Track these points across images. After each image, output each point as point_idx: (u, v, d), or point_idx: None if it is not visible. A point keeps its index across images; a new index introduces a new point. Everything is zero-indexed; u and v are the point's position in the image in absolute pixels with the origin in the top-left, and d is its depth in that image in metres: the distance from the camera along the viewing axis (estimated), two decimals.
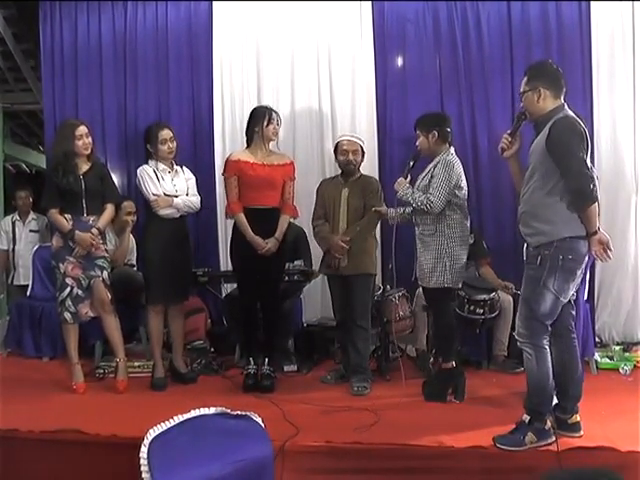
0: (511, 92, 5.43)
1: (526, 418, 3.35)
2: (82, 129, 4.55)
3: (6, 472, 3.46)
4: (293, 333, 5.39)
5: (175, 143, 4.72)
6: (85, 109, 6.08)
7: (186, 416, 2.66)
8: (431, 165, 4.25)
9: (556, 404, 3.44)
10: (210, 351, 5.39)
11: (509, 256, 5.33)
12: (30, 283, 5.87)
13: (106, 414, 4.00)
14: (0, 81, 7.99)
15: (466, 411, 3.99)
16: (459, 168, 4.22)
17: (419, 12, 5.64)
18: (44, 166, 6.93)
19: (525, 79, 3.46)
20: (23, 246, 6.27)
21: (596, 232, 3.26)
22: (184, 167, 4.88)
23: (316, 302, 5.84)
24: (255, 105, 5.30)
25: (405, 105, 5.66)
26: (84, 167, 4.56)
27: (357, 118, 5.76)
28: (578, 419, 3.46)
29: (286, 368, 4.99)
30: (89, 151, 4.58)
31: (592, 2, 5.36)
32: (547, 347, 3.35)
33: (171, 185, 4.68)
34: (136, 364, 4.97)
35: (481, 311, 4.74)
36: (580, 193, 3.21)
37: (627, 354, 5.07)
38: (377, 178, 5.37)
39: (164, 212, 4.63)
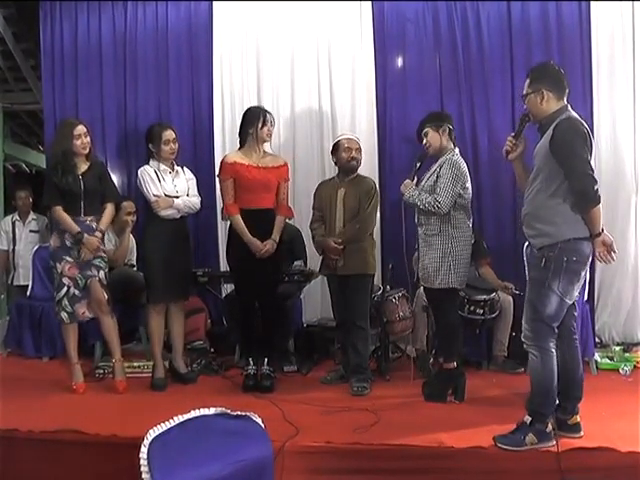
0: (511, 92, 5.43)
1: (527, 419, 3.35)
2: (80, 128, 4.54)
3: (6, 472, 3.46)
4: (293, 333, 5.39)
5: (177, 144, 4.73)
6: (85, 109, 6.08)
7: (186, 416, 2.65)
8: (436, 165, 4.24)
9: (557, 405, 3.43)
10: (210, 351, 5.40)
11: (509, 256, 5.33)
12: (30, 283, 5.87)
13: (106, 414, 4.00)
14: (0, 81, 7.99)
15: (466, 411, 3.99)
16: (465, 168, 4.21)
17: (419, 12, 5.64)
18: (44, 166, 6.92)
19: (527, 81, 3.45)
20: (23, 246, 6.26)
21: (600, 233, 3.25)
22: (185, 168, 4.87)
23: (316, 302, 5.85)
24: (255, 105, 5.31)
25: (405, 105, 5.66)
26: (83, 167, 4.55)
27: (357, 118, 5.77)
28: (578, 420, 3.46)
29: (286, 368, 4.99)
30: (87, 151, 4.57)
31: (592, 2, 5.36)
32: (554, 350, 3.34)
33: (172, 186, 4.68)
34: (136, 364, 4.96)
35: (481, 311, 4.74)
36: (584, 194, 3.20)
37: (627, 354, 5.07)
38: (376, 178, 5.38)
39: (165, 213, 4.63)
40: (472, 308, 4.72)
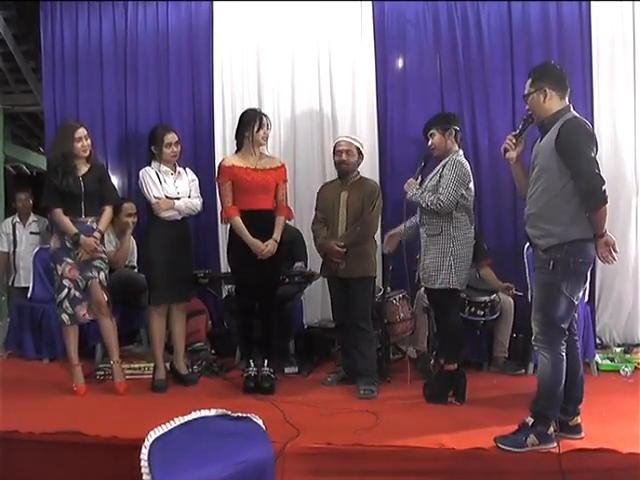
0: (511, 92, 5.43)
1: (530, 420, 3.34)
2: (81, 131, 4.54)
3: (6, 473, 3.46)
4: (293, 335, 5.38)
5: (179, 147, 4.72)
6: (86, 110, 6.08)
7: (187, 418, 2.65)
8: (439, 166, 4.24)
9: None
10: (211, 353, 5.40)
11: (509, 257, 5.34)
12: (31, 285, 5.86)
13: (106, 416, 4.00)
14: (0, 82, 8.00)
15: (467, 413, 3.98)
16: (468, 169, 4.21)
17: (419, 12, 5.64)
18: (45, 168, 6.92)
19: (529, 81, 3.44)
20: (24, 248, 6.25)
21: (603, 234, 3.25)
22: (187, 169, 4.87)
23: (316, 304, 5.84)
24: (256, 106, 5.32)
25: (405, 105, 5.66)
26: (83, 169, 4.55)
27: (357, 119, 5.77)
28: (579, 421, 3.46)
29: (287, 370, 4.98)
30: (88, 153, 4.57)
31: (592, 2, 5.36)
32: (564, 354, 3.33)
33: (173, 187, 4.68)
34: (137, 366, 4.96)
35: (482, 313, 4.74)
36: (592, 194, 3.19)
37: (628, 356, 5.07)
38: (377, 178, 5.38)
39: (166, 214, 4.63)
40: (473, 309, 4.72)
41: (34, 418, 3.83)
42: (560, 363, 3.33)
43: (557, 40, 5.42)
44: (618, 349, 5.18)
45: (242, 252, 4.53)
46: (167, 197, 4.63)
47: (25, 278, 6.10)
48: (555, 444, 3.30)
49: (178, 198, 4.66)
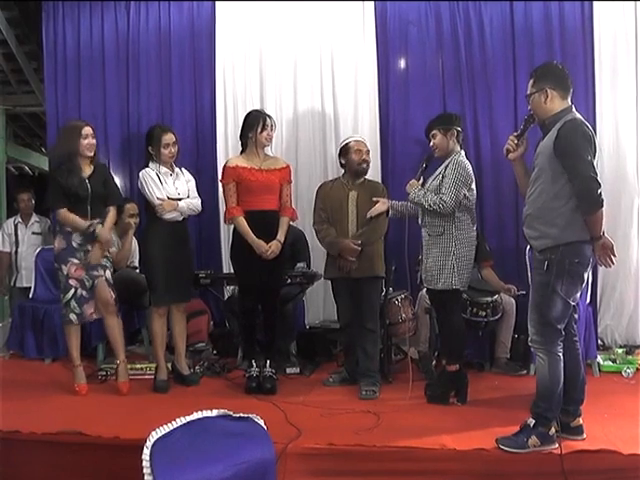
0: (514, 93, 5.43)
1: (531, 422, 3.34)
2: (88, 129, 4.55)
3: (7, 473, 3.46)
4: (295, 335, 5.39)
5: (177, 147, 4.72)
6: (87, 110, 6.09)
7: (189, 418, 2.65)
8: (442, 167, 4.23)
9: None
10: (212, 353, 5.41)
11: (511, 258, 5.34)
12: (32, 285, 5.88)
13: (108, 416, 4.00)
14: (3, 83, 8.00)
15: (468, 413, 3.98)
16: (470, 169, 4.20)
17: (421, 13, 5.65)
18: (46, 168, 6.93)
19: (531, 81, 3.44)
20: (26, 248, 6.26)
21: (600, 237, 3.25)
22: (183, 169, 4.87)
23: (318, 304, 5.85)
24: (258, 107, 5.32)
25: (407, 106, 5.66)
26: (87, 170, 4.55)
27: (360, 120, 5.77)
28: (581, 422, 3.46)
29: (288, 370, 4.98)
30: (92, 153, 4.58)
31: (595, 2, 5.36)
32: (561, 354, 3.33)
33: (173, 188, 4.68)
34: (138, 366, 4.96)
35: (484, 314, 4.73)
36: (587, 197, 3.18)
37: (630, 357, 5.06)
38: (379, 179, 5.38)
39: (169, 216, 4.63)
40: (475, 310, 4.71)
41: (36, 418, 3.84)
42: (557, 364, 3.33)
43: (559, 41, 5.42)
44: (620, 350, 5.17)
45: (245, 253, 4.53)
46: (169, 198, 4.63)
47: (27, 278, 6.12)
48: (557, 445, 3.29)
49: (179, 199, 4.66)
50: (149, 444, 2.47)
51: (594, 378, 4.71)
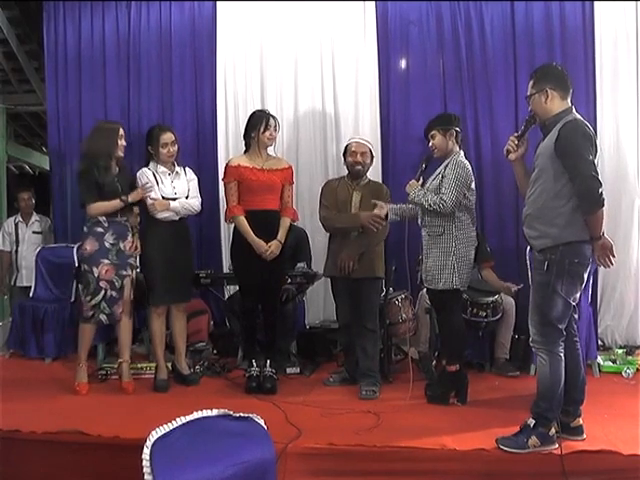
0: (514, 94, 5.43)
1: (531, 422, 3.34)
2: (122, 131, 4.63)
3: (7, 473, 3.47)
4: (295, 335, 5.39)
5: (176, 147, 4.72)
6: (88, 110, 6.10)
7: (189, 418, 2.65)
8: (441, 167, 4.23)
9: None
10: (212, 353, 5.40)
11: (511, 258, 5.34)
12: (33, 284, 5.89)
13: (108, 415, 4.00)
14: (3, 82, 8.00)
15: (469, 414, 3.98)
16: (469, 169, 4.20)
17: (422, 13, 5.65)
18: (47, 167, 6.92)
19: (531, 82, 3.45)
20: (26, 247, 6.25)
21: (600, 237, 3.25)
22: (187, 168, 4.87)
23: (318, 304, 5.85)
24: (259, 107, 5.33)
25: (408, 106, 5.66)
26: (116, 169, 4.60)
27: (360, 120, 5.77)
28: (581, 422, 3.46)
29: (288, 370, 4.98)
30: (123, 153, 4.64)
31: (595, 2, 5.36)
32: (562, 354, 3.33)
33: (170, 188, 4.69)
34: (139, 366, 4.97)
35: (484, 314, 4.74)
36: (588, 197, 3.19)
37: (630, 357, 5.06)
38: (380, 179, 5.37)
39: (162, 215, 4.64)
40: (475, 311, 4.72)
41: (36, 417, 3.84)
42: (558, 364, 3.33)
43: (560, 41, 5.42)
44: (620, 351, 5.17)
45: (245, 253, 4.54)
46: (164, 198, 4.64)
47: (27, 277, 6.11)
48: (557, 445, 3.30)
49: (175, 199, 4.66)
50: (149, 444, 2.47)
51: (594, 378, 4.71)
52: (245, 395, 4.42)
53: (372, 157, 4.75)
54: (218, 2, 5.92)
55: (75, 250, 5.53)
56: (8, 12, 6.78)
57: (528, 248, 3.98)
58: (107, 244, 4.51)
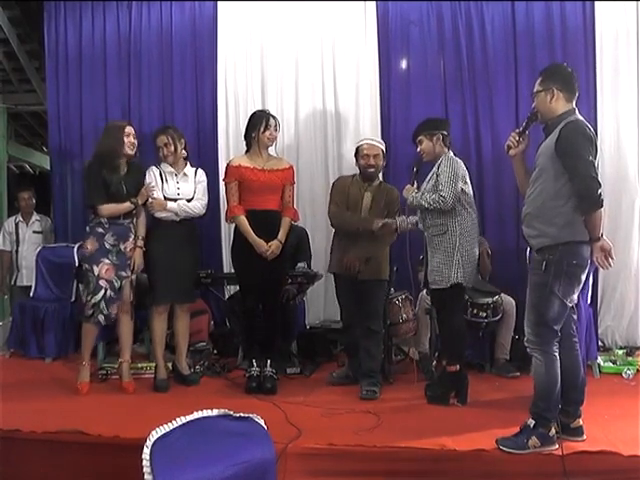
0: (515, 94, 5.44)
1: (531, 422, 3.34)
2: (130, 129, 4.61)
3: (7, 472, 3.46)
4: (296, 335, 5.38)
5: (172, 148, 4.69)
6: (89, 110, 6.11)
7: (189, 418, 2.65)
8: (434, 167, 4.25)
9: (559, 408, 3.42)
10: (213, 353, 5.40)
11: (511, 258, 5.32)
12: (33, 284, 5.89)
13: (108, 415, 4.00)
14: (4, 82, 8.00)
15: (469, 414, 3.98)
16: (462, 163, 4.23)
17: (423, 13, 5.65)
18: (48, 167, 6.93)
19: (539, 80, 3.45)
20: (26, 247, 6.25)
21: (599, 238, 3.24)
22: (199, 170, 4.87)
23: (319, 304, 5.85)
24: (259, 107, 5.33)
25: (409, 106, 5.67)
26: (124, 169, 4.59)
27: (361, 119, 5.78)
28: (581, 423, 3.46)
29: (289, 370, 4.97)
30: (133, 152, 4.61)
31: (596, 2, 5.36)
32: (557, 354, 3.33)
33: (174, 188, 4.69)
34: (139, 365, 4.96)
35: (484, 314, 4.73)
36: (587, 197, 3.19)
37: (630, 358, 5.06)
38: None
39: (160, 215, 4.65)
40: (475, 311, 4.71)
41: (36, 417, 3.83)
42: (553, 364, 3.33)
43: (560, 41, 5.42)
44: (620, 351, 5.18)
45: (246, 253, 4.53)
46: (166, 198, 4.65)
47: (27, 277, 6.11)
48: (557, 446, 3.29)
49: (177, 199, 4.67)
50: (149, 443, 2.47)
51: (594, 379, 4.71)
52: (245, 395, 4.42)
53: (384, 157, 4.72)
54: (219, 2, 5.93)
55: (75, 250, 5.55)
56: (9, 12, 6.79)
57: (528, 248, 3.97)
58: (107, 245, 4.53)
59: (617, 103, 5.36)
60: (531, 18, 5.46)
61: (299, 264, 5.26)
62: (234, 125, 5.89)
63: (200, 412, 2.71)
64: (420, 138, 4.32)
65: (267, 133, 4.57)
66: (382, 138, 5.60)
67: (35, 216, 6.39)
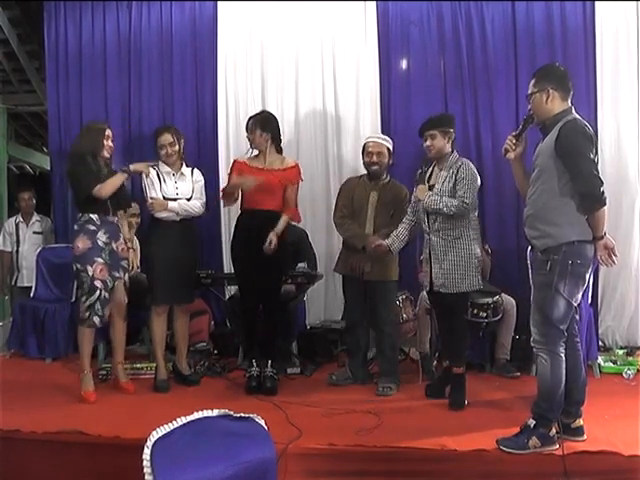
0: (515, 94, 5.43)
1: (531, 422, 3.34)
2: (109, 132, 4.56)
3: (8, 473, 3.47)
4: (296, 335, 5.38)
5: (176, 147, 4.71)
6: (89, 110, 6.10)
7: (189, 418, 2.65)
8: (447, 170, 4.18)
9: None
10: (213, 353, 5.40)
11: (512, 259, 5.33)
12: (33, 285, 5.90)
13: (109, 415, 4.00)
14: (4, 82, 8.01)
15: (469, 414, 3.98)
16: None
17: (423, 13, 5.65)
18: (48, 167, 6.94)
19: (533, 81, 3.45)
20: (26, 248, 6.25)
21: (602, 237, 3.24)
22: (195, 170, 4.87)
23: (319, 304, 5.85)
24: (259, 107, 5.33)
25: (409, 106, 5.66)
26: (105, 170, 4.53)
27: (361, 119, 5.78)
28: (581, 423, 3.46)
29: (289, 370, 4.97)
30: (110, 155, 4.58)
31: (596, 2, 5.36)
32: (563, 354, 3.33)
33: (173, 188, 4.69)
34: (139, 366, 4.96)
35: (484, 314, 4.72)
36: (590, 196, 3.19)
37: (630, 358, 5.06)
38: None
39: (160, 215, 4.65)
40: (476, 311, 4.69)
41: (36, 417, 3.83)
42: (559, 364, 3.32)
43: (561, 41, 5.41)
44: (621, 351, 5.18)
45: (245, 252, 4.54)
46: (165, 198, 4.65)
47: (28, 278, 6.12)
48: (557, 446, 3.30)
49: (176, 199, 4.66)
50: (150, 444, 2.47)
51: (595, 379, 4.71)
52: (245, 395, 4.42)
53: (390, 155, 4.68)
54: (219, 2, 5.93)
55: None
56: (9, 12, 6.80)
57: (529, 248, 3.97)
58: (100, 242, 4.40)
59: (617, 103, 5.36)
60: (531, 18, 5.45)
61: (299, 264, 5.25)
62: (234, 125, 5.89)
63: (200, 412, 2.71)
64: (433, 133, 4.21)
65: (252, 137, 4.60)
66: None
67: (35, 217, 6.40)
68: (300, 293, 5.33)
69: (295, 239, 5.16)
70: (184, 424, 2.62)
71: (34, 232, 6.34)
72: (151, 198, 4.63)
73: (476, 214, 4.23)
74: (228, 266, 5.68)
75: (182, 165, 4.79)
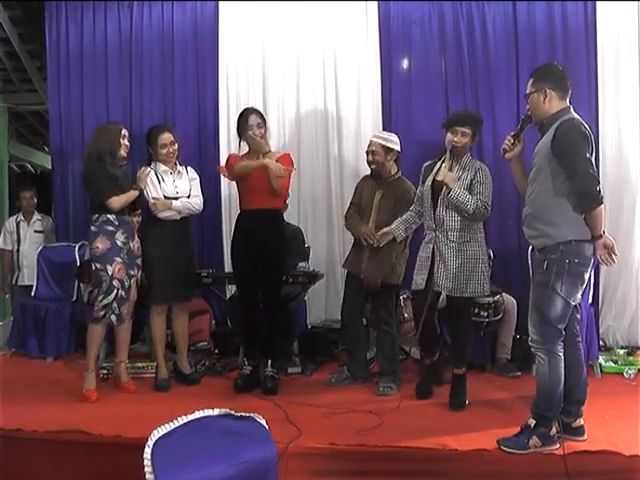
0: (516, 94, 5.42)
1: (532, 422, 3.34)
2: (125, 132, 4.60)
3: (9, 472, 3.47)
4: (297, 335, 5.38)
5: (176, 146, 4.72)
6: (90, 109, 6.11)
7: (190, 417, 2.65)
8: (463, 170, 4.13)
9: (560, 408, 3.42)
10: (214, 352, 5.41)
11: (513, 259, 5.33)
12: (34, 283, 5.91)
13: (109, 415, 4.00)
14: (6, 82, 8.02)
15: (470, 414, 3.98)
16: None
17: (424, 13, 5.65)
18: (49, 166, 6.94)
19: (531, 81, 3.45)
20: (27, 246, 6.27)
21: (601, 236, 3.24)
22: (188, 167, 4.88)
23: (320, 304, 5.85)
24: (260, 106, 5.34)
25: (410, 106, 5.66)
26: (119, 172, 4.55)
27: (362, 119, 5.77)
28: (582, 423, 3.46)
29: (290, 370, 4.97)
30: (126, 154, 4.61)
31: (598, 2, 5.36)
32: (561, 354, 3.32)
33: (172, 187, 4.69)
34: (140, 365, 4.97)
35: (485, 314, 4.72)
36: (586, 195, 3.19)
37: (631, 358, 5.06)
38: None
39: (163, 215, 4.64)
40: (477, 311, 4.69)
41: (37, 417, 3.84)
42: (557, 363, 3.32)
43: (562, 41, 5.41)
44: (621, 351, 5.18)
45: (244, 251, 4.55)
46: (166, 197, 4.65)
47: (29, 276, 6.13)
48: (558, 445, 3.30)
49: (177, 198, 4.67)
50: (150, 443, 2.47)
51: (595, 379, 4.71)
52: (246, 395, 4.42)
53: (389, 153, 4.61)
54: (220, 2, 5.93)
55: (77, 249, 5.56)
56: (10, 12, 6.81)
57: (530, 248, 3.97)
58: (119, 242, 4.45)
59: (618, 103, 5.36)
60: (532, 18, 5.45)
61: (300, 263, 5.25)
62: (235, 125, 5.87)
63: (201, 411, 2.70)
64: (466, 130, 4.12)
65: (250, 133, 4.57)
66: None
67: (36, 215, 6.41)
68: (301, 292, 5.32)
69: (290, 236, 5.15)
70: (185, 423, 2.62)
71: (35, 231, 6.35)
72: (153, 198, 4.62)
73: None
74: (229, 265, 5.66)
75: (177, 163, 4.79)
